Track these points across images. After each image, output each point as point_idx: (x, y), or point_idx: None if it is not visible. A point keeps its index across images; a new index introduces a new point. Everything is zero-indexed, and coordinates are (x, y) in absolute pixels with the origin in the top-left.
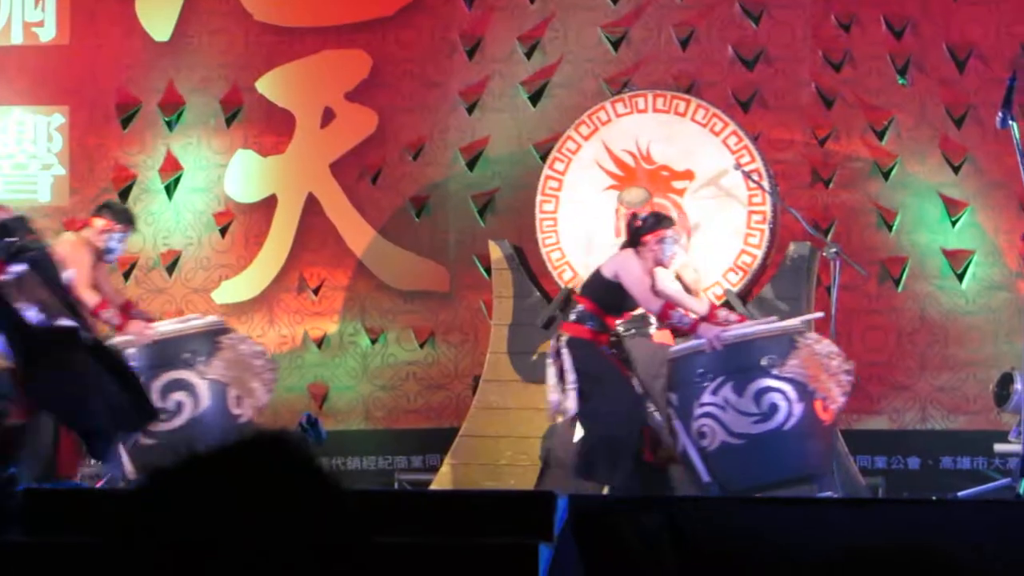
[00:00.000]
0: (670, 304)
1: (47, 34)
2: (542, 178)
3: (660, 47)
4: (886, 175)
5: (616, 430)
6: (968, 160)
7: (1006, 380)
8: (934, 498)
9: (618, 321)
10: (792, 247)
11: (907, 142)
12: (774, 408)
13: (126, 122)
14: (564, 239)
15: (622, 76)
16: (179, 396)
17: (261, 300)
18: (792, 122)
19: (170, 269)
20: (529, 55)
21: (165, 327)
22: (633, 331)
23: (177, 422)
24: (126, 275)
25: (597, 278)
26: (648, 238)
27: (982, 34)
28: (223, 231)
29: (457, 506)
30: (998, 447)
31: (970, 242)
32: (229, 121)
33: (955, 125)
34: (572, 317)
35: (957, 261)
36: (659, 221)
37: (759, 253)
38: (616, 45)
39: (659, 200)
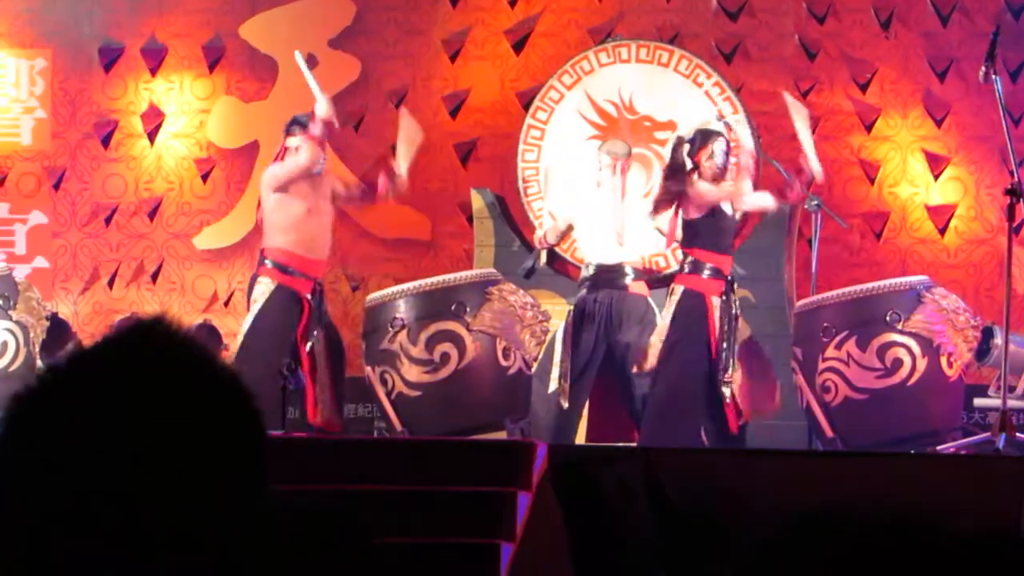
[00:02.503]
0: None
1: None
2: (524, 127)
3: None
4: (868, 128)
5: (686, 394)
6: (951, 114)
7: (987, 334)
8: (912, 452)
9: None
10: None
11: (890, 95)
12: (897, 363)
13: (109, 67)
14: (546, 189)
15: (606, 26)
16: (445, 347)
17: (242, 246)
18: (775, 74)
19: (152, 215)
20: (513, 4)
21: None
22: (610, 283)
23: (443, 374)
24: (107, 220)
25: (690, 225)
26: (699, 156)
27: None
28: (205, 177)
29: (437, 454)
30: (978, 401)
31: (952, 196)
32: (212, 67)
33: (938, 79)
34: (686, 269)
35: (939, 215)
36: (706, 136)
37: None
38: None
39: (641, 151)
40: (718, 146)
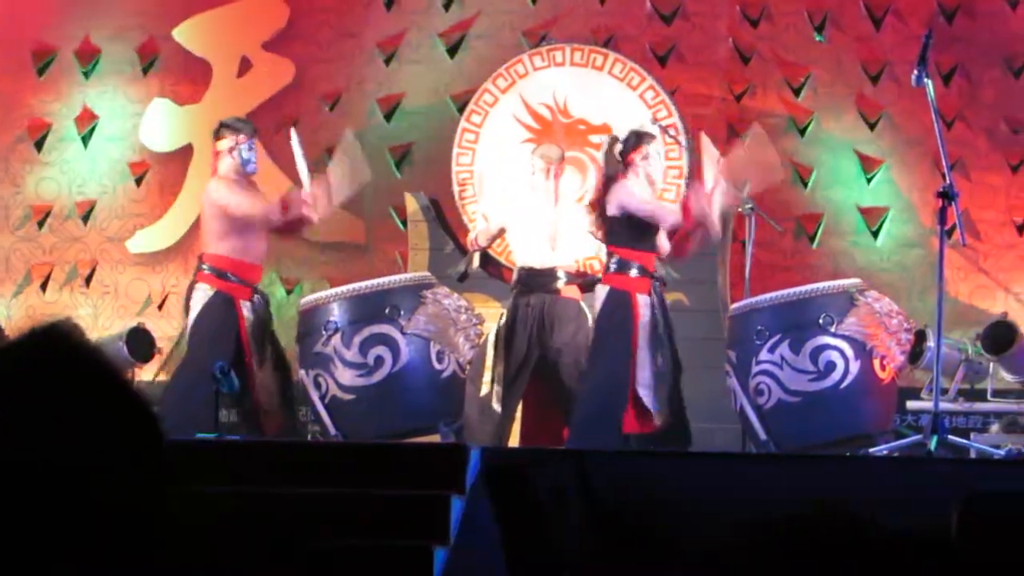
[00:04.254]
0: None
1: None
2: (459, 131)
3: (578, 1)
4: (802, 131)
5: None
6: (884, 117)
7: (919, 337)
8: (847, 454)
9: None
10: None
11: (823, 99)
12: (831, 366)
13: (42, 70)
14: (480, 192)
15: (540, 29)
16: (379, 351)
17: (176, 250)
18: (709, 77)
19: (85, 218)
20: (447, 7)
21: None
22: (542, 287)
23: (376, 377)
24: (40, 224)
25: (615, 223)
26: (633, 157)
27: None
28: (138, 180)
29: (370, 458)
30: (911, 404)
31: (885, 199)
32: (145, 70)
33: (871, 82)
34: (611, 268)
35: (872, 218)
36: (639, 138)
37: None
38: None
39: (575, 154)
40: (653, 147)
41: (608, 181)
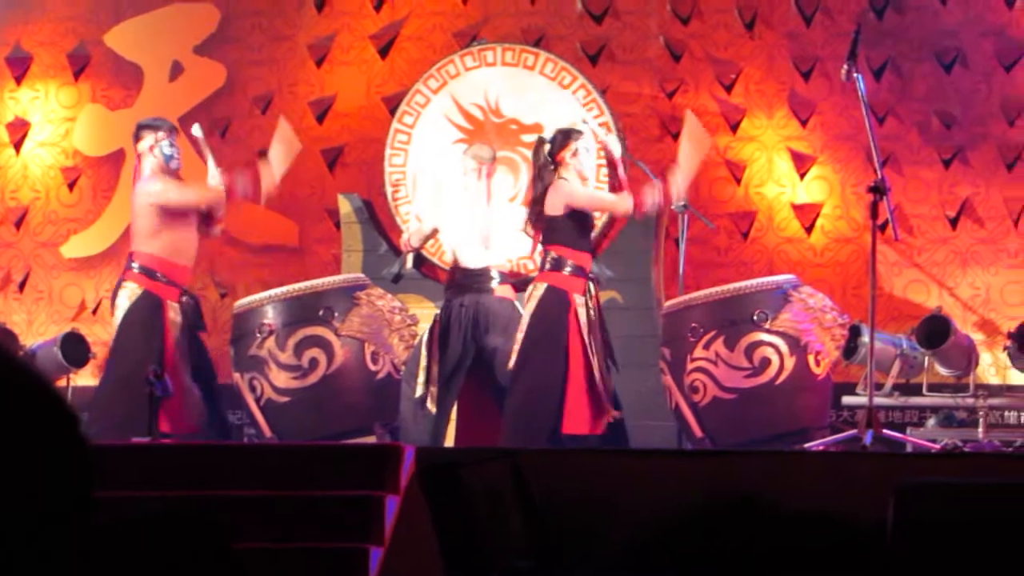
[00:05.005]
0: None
1: None
2: (391, 132)
3: (509, 1)
4: (734, 128)
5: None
6: (816, 114)
7: (854, 332)
8: (786, 450)
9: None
10: None
11: (755, 96)
12: (765, 362)
13: None
14: (413, 193)
15: (471, 29)
16: (314, 353)
17: (110, 254)
18: (640, 75)
19: (18, 224)
20: (378, 8)
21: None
22: (476, 287)
23: (311, 379)
24: None
25: (552, 222)
26: (562, 155)
27: None
28: (71, 185)
29: (305, 459)
30: (846, 399)
31: (818, 195)
32: (77, 75)
33: (802, 78)
34: (547, 266)
35: (805, 214)
36: (567, 136)
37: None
38: None
39: (507, 154)
40: (581, 144)
41: (542, 183)
